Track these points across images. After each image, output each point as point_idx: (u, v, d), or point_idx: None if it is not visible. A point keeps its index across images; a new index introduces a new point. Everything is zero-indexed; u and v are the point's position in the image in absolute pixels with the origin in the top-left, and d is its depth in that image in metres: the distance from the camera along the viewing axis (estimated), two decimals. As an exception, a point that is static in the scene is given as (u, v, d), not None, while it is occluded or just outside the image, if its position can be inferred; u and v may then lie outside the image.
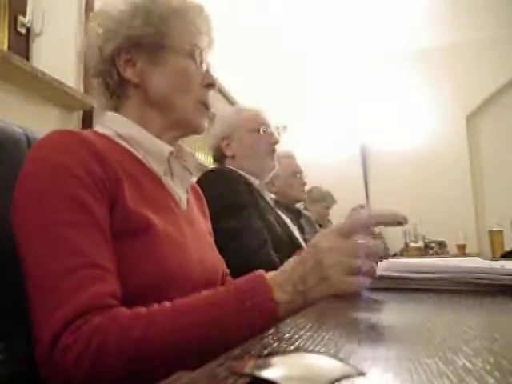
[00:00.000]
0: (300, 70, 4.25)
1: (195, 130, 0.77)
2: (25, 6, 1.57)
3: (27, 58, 1.57)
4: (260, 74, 3.62)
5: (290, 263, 0.60)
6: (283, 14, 3.50)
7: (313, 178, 2.19)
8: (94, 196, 0.57)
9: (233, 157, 1.48)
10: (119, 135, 0.71)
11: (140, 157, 0.71)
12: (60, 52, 1.78)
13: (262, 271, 0.58)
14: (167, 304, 0.54)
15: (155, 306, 0.53)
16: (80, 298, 0.50)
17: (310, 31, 3.77)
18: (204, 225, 0.85)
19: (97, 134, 0.68)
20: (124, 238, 0.59)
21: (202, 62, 0.77)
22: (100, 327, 0.49)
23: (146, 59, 0.73)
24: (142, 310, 0.52)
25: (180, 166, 0.77)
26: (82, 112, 1.86)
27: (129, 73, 0.73)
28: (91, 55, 0.74)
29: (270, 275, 0.57)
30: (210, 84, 0.78)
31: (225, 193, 1.27)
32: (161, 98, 0.73)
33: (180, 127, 0.76)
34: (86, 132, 0.65)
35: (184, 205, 0.76)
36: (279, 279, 0.56)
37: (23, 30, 1.57)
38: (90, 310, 0.50)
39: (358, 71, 4.29)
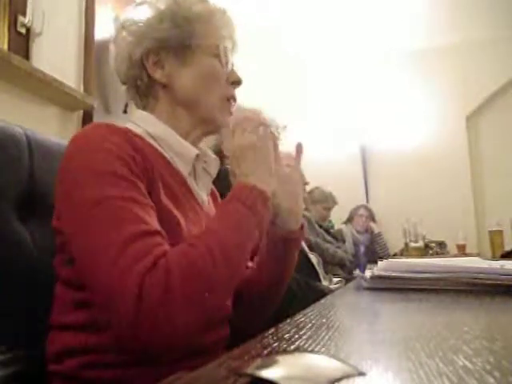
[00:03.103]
0: (300, 70, 4.24)
1: (220, 127, 0.80)
2: (25, 6, 1.57)
3: (27, 58, 1.57)
4: (260, 74, 3.62)
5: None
6: (283, 15, 3.50)
7: (313, 178, 2.18)
8: (139, 178, 0.61)
9: (232, 157, 1.48)
10: (149, 134, 0.74)
11: (168, 157, 0.74)
12: (60, 52, 1.78)
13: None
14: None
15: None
16: (148, 259, 0.53)
17: (309, 31, 3.77)
18: None
19: (130, 131, 0.70)
20: None
21: (227, 62, 0.79)
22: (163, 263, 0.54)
23: (174, 60, 0.75)
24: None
25: (202, 168, 0.80)
26: (81, 112, 1.86)
27: (158, 74, 0.75)
28: (120, 63, 0.77)
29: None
30: (236, 81, 0.80)
31: (225, 192, 1.27)
32: (188, 97, 0.76)
33: (205, 124, 0.79)
34: (124, 127, 0.68)
35: (206, 207, 0.79)
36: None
37: (23, 30, 1.56)
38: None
39: (357, 71, 4.28)
